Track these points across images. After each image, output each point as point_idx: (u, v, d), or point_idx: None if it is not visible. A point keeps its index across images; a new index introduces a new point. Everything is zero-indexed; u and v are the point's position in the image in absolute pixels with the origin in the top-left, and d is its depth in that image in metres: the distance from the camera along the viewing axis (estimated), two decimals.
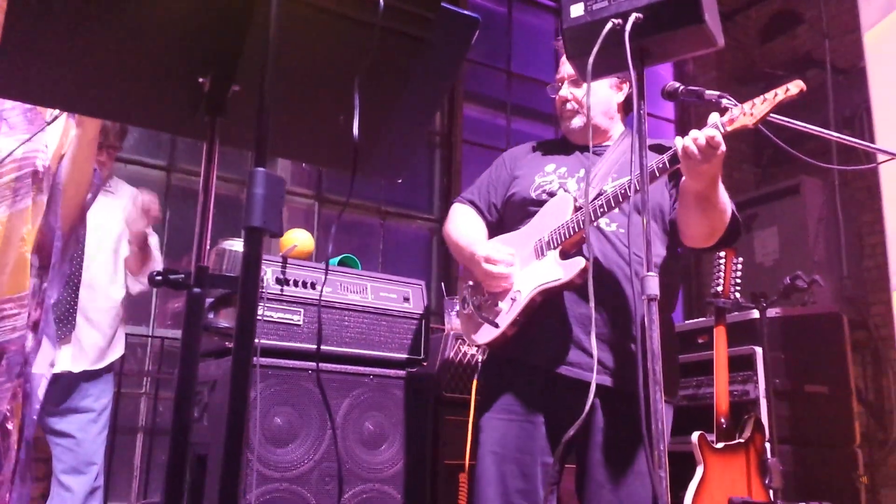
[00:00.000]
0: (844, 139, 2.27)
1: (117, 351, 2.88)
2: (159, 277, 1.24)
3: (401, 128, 1.48)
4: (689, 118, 6.01)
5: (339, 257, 2.98)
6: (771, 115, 1.87)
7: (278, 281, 2.57)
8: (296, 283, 2.63)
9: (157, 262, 2.99)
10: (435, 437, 2.89)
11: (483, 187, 2.35)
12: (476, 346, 2.31)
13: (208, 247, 1.26)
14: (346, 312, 2.74)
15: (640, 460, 1.97)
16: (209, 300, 1.74)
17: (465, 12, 1.44)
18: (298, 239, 2.74)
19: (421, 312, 2.91)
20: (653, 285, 1.61)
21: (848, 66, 5.47)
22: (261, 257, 1.08)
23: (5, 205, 1.61)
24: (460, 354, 3.14)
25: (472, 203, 2.34)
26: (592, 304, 1.62)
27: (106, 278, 2.84)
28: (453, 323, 3.31)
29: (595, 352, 1.65)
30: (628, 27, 1.75)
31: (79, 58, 1.23)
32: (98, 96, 1.28)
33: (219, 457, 2.35)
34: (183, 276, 1.23)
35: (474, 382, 2.27)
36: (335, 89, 1.37)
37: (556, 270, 2.01)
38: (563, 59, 2.25)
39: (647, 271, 1.63)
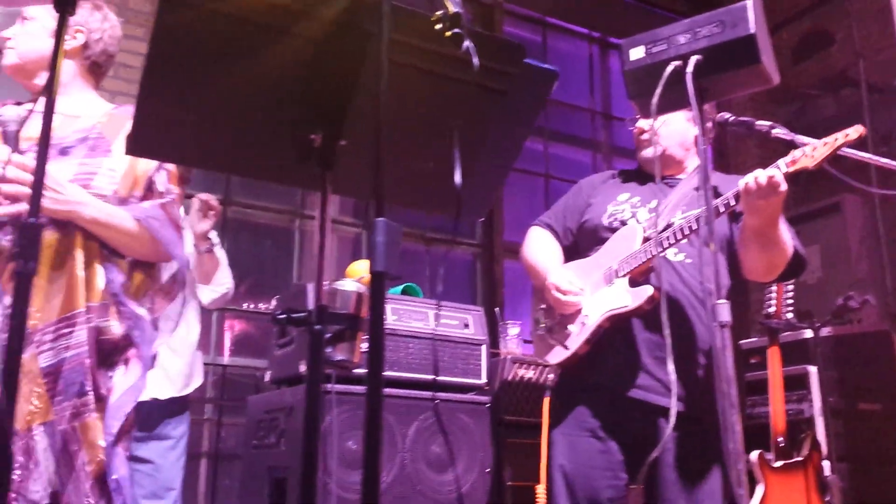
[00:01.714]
0: (884, 163, 2.33)
1: (198, 378, 3.02)
2: (283, 316, 1.37)
3: (484, 172, 1.60)
4: (725, 146, 6.06)
5: (402, 286, 3.10)
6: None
7: (282, 311, 2.69)
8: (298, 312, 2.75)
9: (224, 267, 3.10)
10: (498, 459, 2.98)
11: (560, 212, 2.47)
12: (548, 366, 2.42)
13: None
14: (411, 339, 2.86)
15: (711, 480, 2.06)
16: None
17: (545, 66, 1.56)
18: (365, 270, 2.87)
19: (481, 338, 3.02)
20: (724, 312, 1.71)
21: (883, 85, 5.52)
22: (384, 297, 1.20)
23: (52, 226, 1.69)
24: (517, 378, 3.25)
25: (550, 227, 2.47)
26: (668, 332, 1.72)
27: (179, 302, 2.97)
28: (509, 346, 3.41)
29: (673, 377, 1.74)
30: (690, 69, 1.86)
31: (204, 117, 1.36)
32: (222, 153, 1.42)
33: (298, 479, 2.47)
34: (305, 314, 1.36)
35: (546, 401, 2.36)
36: (426, 140, 1.50)
37: (625, 297, 2.12)
38: None
39: (718, 299, 1.72)
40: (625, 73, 2.05)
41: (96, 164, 1.78)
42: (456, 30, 1.35)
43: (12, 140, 1.62)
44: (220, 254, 3.11)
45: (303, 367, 2.64)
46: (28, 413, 1.57)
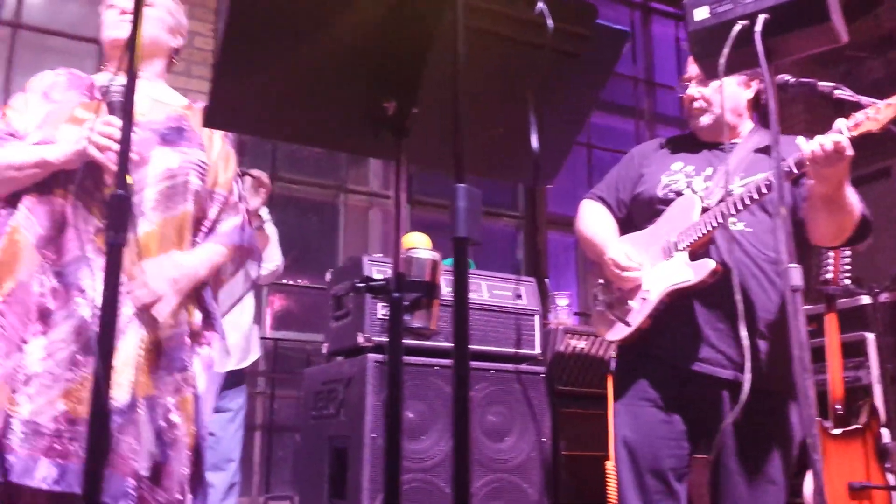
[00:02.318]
0: None
1: (255, 352, 3.07)
2: (362, 284, 1.38)
3: (555, 137, 1.59)
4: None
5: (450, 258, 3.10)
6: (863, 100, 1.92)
7: (361, 279, 2.70)
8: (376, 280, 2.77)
9: (274, 243, 3.13)
10: (553, 428, 2.99)
11: (612, 184, 2.43)
12: (609, 342, 2.41)
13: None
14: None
15: (774, 451, 2.05)
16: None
17: (616, 27, 1.54)
18: (418, 242, 2.87)
19: (535, 308, 3.01)
20: (796, 276, 1.68)
21: None
22: (467, 264, 1.20)
23: (158, 211, 1.73)
24: (570, 349, 3.24)
25: (602, 199, 2.43)
26: (741, 307, 1.70)
27: (240, 277, 3.01)
28: (559, 317, 3.41)
29: (746, 343, 1.72)
30: (759, 28, 1.81)
31: (280, 88, 1.37)
32: (296, 124, 1.43)
33: (362, 449, 2.49)
34: (383, 282, 1.37)
35: (609, 378, 2.36)
36: (496, 106, 1.49)
37: (686, 272, 2.10)
38: (690, 59, 2.31)
39: (789, 263, 1.70)
40: (689, 35, 2.00)
41: (193, 156, 1.80)
42: None
43: (118, 111, 1.64)
44: (271, 230, 3.14)
45: (360, 339, 2.66)
46: (130, 385, 1.60)
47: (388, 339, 1.34)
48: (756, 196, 2.00)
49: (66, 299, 1.60)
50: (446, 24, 1.38)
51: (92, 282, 1.61)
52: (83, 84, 1.83)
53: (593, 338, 3.28)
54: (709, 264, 2.06)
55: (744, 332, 1.72)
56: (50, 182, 1.68)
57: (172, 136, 1.79)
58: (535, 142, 1.33)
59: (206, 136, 1.89)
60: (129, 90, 1.20)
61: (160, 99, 1.87)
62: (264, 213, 3.10)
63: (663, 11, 6.07)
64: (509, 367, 2.88)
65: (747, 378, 1.74)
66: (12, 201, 1.70)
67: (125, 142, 1.19)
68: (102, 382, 1.09)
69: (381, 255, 2.89)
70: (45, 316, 1.59)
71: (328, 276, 3.04)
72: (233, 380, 2.98)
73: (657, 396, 2.16)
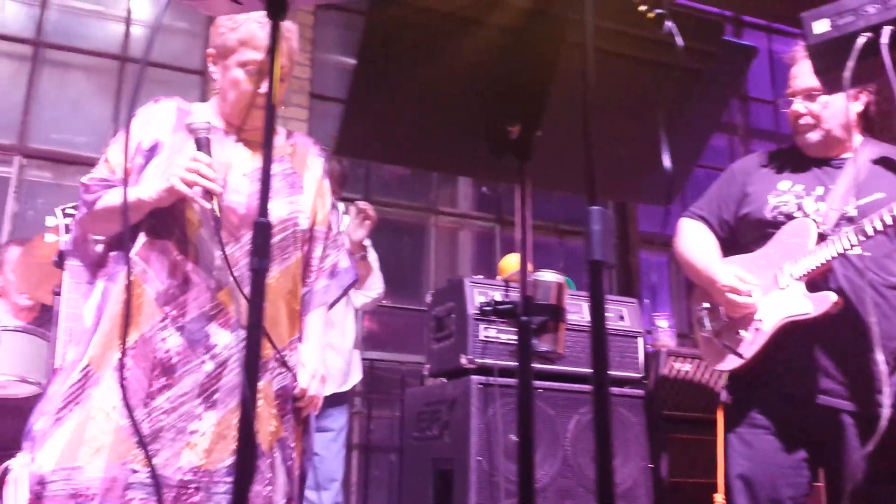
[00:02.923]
0: None
1: (356, 374, 3.11)
2: (489, 307, 1.38)
3: (677, 157, 1.56)
4: (871, 123, 5.69)
5: None
6: None
7: (488, 302, 2.69)
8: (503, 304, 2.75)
9: (376, 272, 3.17)
10: (657, 454, 2.92)
11: (713, 202, 2.35)
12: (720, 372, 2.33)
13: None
14: (568, 332, 2.82)
15: None
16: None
17: (743, 42, 1.50)
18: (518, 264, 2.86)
19: (637, 330, 2.95)
20: None
21: None
22: (603, 287, 1.18)
23: (276, 262, 1.76)
24: (674, 372, 3.16)
25: (703, 219, 2.35)
26: (877, 335, 1.62)
27: (342, 303, 3.07)
28: (661, 339, 3.33)
29: (883, 367, 1.64)
30: (885, 40, 1.74)
31: (407, 116, 1.39)
32: (420, 149, 1.45)
33: (467, 472, 2.47)
34: (511, 306, 1.36)
35: (720, 408, 2.27)
36: (620, 126, 1.47)
37: (805, 304, 2.02)
38: (794, 73, 2.24)
39: None
40: (808, 49, 1.94)
41: (299, 202, 1.83)
42: (658, 10, 1.32)
43: (205, 147, 1.68)
44: (373, 259, 3.19)
45: (463, 361, 2.66)
46: (269, 434, 1.67)
47: (517, 363, 1.33)
48: (890, 223, 1.91)
49: (190, 355, 1.64)
50: (570, 47, 1.38)
51: (216, 338, 1.66)
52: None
53: (697, 360, 3.19)
54: (829, 297, 1.99)
55: (880, 357, 1.64)
56: (161, 231, 1.70)
57: (281, 186, 1.81)
58: (667, 161, 1.31)
59: (306, 173, 1.89)
60: (269, 137, 1.24)
61: (256, 143, 1.82)
62: (372, 254, 3.16)
63: (755, 24, 5.92)
64: (613, 390, 2.82)
65: (887, 406, 1.66)
66: (117, 245, 1.74)
67: (266, 176, 1.22)
68: (249, 410, 1.12)
69: (480, 276, 2.88)
70: (168, 371, 1.63)
71: (428, 298, 3.05)
72: (335, 400, 3.03)
73: (773, 425, 2.09)
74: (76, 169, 4.03)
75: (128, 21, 4.41)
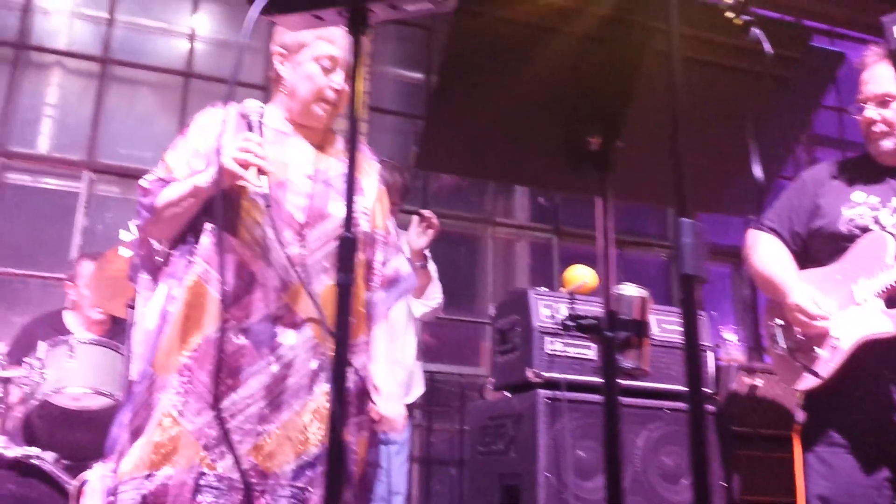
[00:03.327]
0: None
1: (419, 387, 3.10)
2: (571, 322, 1.35)
3: (764, 164, 1.51)
4: None
5: None
6: None
7: (570, 317, 2.65)
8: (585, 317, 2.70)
9: (435, 281, 3.16)
10: (728, 473, 2.84)
11: (784, 214, 2.27)
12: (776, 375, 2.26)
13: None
14: None
15: None
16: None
17: (831, 48, 1.46)
18: (585, 276, 2.83)
19: (707, 344, 2.88)
20: None
21: None
22: (695, 302, 1.15)
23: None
24: (745, 387, 3.08)
25: (775, 231, 2.27)
26: None
27: (403, 315, 3.06)
28: (731, 354, 3.25)
29: None
30: None
31: (487, 129, 1.38)
32: (500, 162, 1.43)
33: (535, 487, 2.42)
34: (594, 321, 1.33)
35: (796, 428, 2.20)
36: (703, 135, 1.43)
37: (884, 322, 1.96)
38: (866, 78, 2.16)
39: None
40: (891, 53, 1.88)
41: (360, 204, 1.81)
42: (745, 17, 1.28)
43: (257, 128, 1.69)
44: (432, 268, 3.18)
45: (529, 374, 2.63)
46: (324, 437, 1.65)
47: (603, 381, 1.30)
48: None
49: (256, 356, 1.63)
50: (653, 55, 1.35)
51: (282, 339, 1.65)
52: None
53: (768, 375, 3.10)
54: None
55: None
56: (225, 232, 1.67)
57: (343, 188, 1.80)
58: (758, 171, 1.27)
59: (364, 177, 1.88)
60: (352, 146, 1.24)
61: (317, 146, 1.84)
62: (431, 264, 3.15)
63: (820, 30, 5.78)
64: (683, 405, 2.75)
65: None
66: (179, 244, 1.73)
67: (350, 191, 1.22)
68: (338, 422, 1.12)
69: (545, 288, 2.85)
70: (234, 373, 1.61)
71: (491, 311, 3.03)
72: None
73: (853, 444, 2.01)
74: None
75: (191, 37, 4.52)
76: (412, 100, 4.97)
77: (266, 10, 1.25)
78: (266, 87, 4.39)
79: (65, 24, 4.39)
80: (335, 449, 1.12)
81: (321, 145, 1.84)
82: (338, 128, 1.92)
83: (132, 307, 2.38)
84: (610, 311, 1.33)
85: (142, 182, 1.73)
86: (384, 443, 3.02)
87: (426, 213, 2.93)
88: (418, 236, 2.93)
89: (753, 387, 3.02)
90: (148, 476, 1.54)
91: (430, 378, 4.21)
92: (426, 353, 4.44)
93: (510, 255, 5.11)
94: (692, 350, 1.11)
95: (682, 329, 2.83)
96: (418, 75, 5.03)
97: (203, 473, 1.55)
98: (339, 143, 1.89)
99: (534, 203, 5.11)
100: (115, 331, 3.11)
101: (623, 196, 1.47)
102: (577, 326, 1.35)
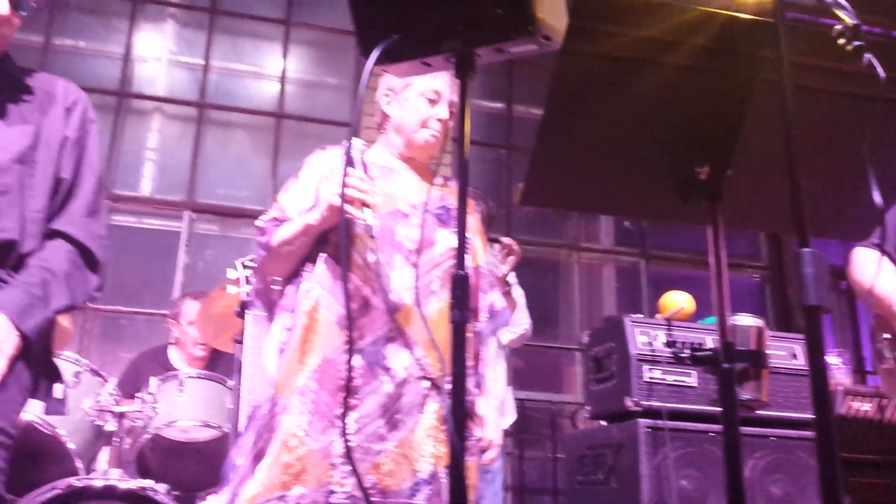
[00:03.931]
0: None
1: (511, 414, 3.10)
2: (685, 354, 1.34)
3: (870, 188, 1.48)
4: None
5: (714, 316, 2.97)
6: None
7: (668, 344, 2.61)
8: (684, 345, 2.66)
9: (522, 307, 3.16)
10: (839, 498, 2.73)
11: (890, 231, 2.22)
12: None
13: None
14: None
15: None
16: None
17: None
18: (682, 302, 2.79)
19: None
20: None
21: None
22: (821, 333, 1.13)
23: (446, 289, 1.77)
24: (852, 411, 2.96)
25: (879, 247, 2.22)
26: None
27: (493, 344, 3.07)
28: (836, 377, 3.13)
29: None
30: None
31: (593, 162, 1.39)
32: (606, 194, 1.44)
33: None
34: (711, 352, 1.32)
35: None
36: (815, 161, 1.41)
37: None
38: None
39: None
40: None
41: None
42: (857, 42, 1.26)
43: (359, 164, 1.76)
44: (518, 294, 3.19)
45: (628, 403, 2.60)
46: (438, 458, 1.68)
47: (722, 413, 1.29)
48: None
49: (371, 376, 1.67)
50: (763, 83, 1.35)
51: (394, 359, 1.69)
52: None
53: (878, 399, 2.98)
54: None
55: None
56: (338, 258, 1.73)
57: (445, 216, 1.86)
58: (877, 196, 1.24)
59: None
60: (463, 183, 1.27)
61: (421, 180, 1.91)
62: (511, 277, 3.16)
63: None
64: (791, 433, 2.67)
65: None
66: (293, 278, 1.80)
67: (462, 223, 1.25)
68: (459, 455, 1.14)
69: (640, 315, 2.82)
70: (352, 392, 1.66)
71: (585, 338, 3.02)
72: None
73: None
74: (241, 221, 4.30)
75: (282, 80, 4.69)
76: (494, 130, 5.02)
77: (378, 61, 1.30)
78: (351, 124, 4.52)
79: (163, 72, 4.64)
80: (457, 482, 1.14)
81: (424, 179, 1.91)
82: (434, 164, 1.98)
83: (240, 342, 2.47)
84: (726, 343, 1.32)
85: (258, 222, 1.83)
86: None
87: (506, 240, 2.96)
88: (499, 264, 2.95)
89: (862, 411, 2.90)
90: (281, 497, 1.58)
91: (521, 405, 4.19)
92: (515, 380, 4.43)
93: (596, 280, 5.07)
94: (819, 382, 1.09)
95: (785, 353, 2.75)
96: (499, 105, 5.08)
97: (333, 492, 1.59)
98: (439, 179, 1.95)
99: (619, 227, 5.07)
100: (215, 364, 3.23)
101: (734, 224, 1.45)
102: (692, 358, 1.34)
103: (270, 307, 1.85)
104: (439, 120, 1.86)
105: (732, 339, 1.36)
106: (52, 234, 1.48)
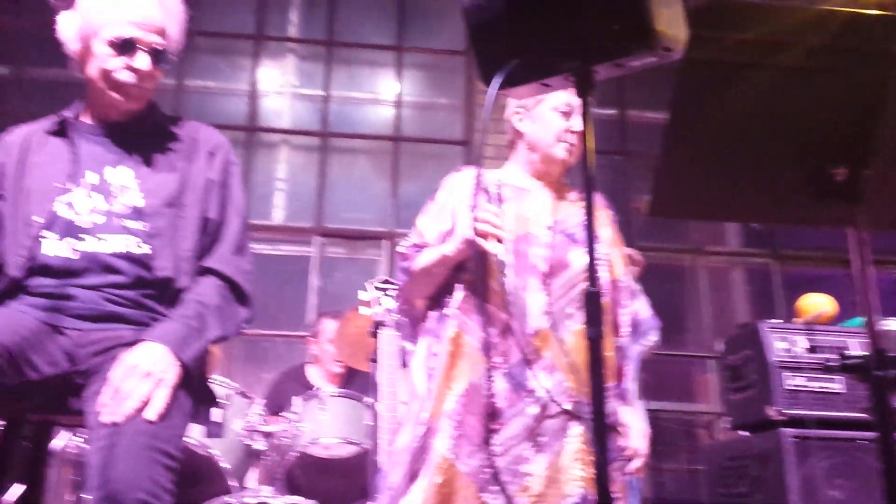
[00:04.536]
0: None
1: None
2: (833, 363, 1.30)
3: None
4: None
5: (859, 318, 2.82)
6: None
7: (811, 350, 2.51)
8: (827, 350, 2.55)
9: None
10: None
11: None
12: None
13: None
14: None
15: None
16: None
17: None
18: (823, 304, 2.67)
19: None
20: None
21: None
22: None
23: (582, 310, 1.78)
24: None
25: None
26: None
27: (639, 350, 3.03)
28: None
29: None
30: None
31: (723, 169, 1.37)
32: (738, 201, 1.42)
33: None
34: (861, 360, 1.27)
35: None
36: None
37: None
38: None
39: None
40: None
41: (600, 251, 1.82)
42: None
43: (495, 199, 1.80)
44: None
45: (771, 413, 2.51)
46: (582, 479, 1.68)
47: (876, 422, 1.23)
48: None
49: (515, 399, 1.70)
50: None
51: (536, 382, 1.71)
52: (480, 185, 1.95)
53: None
54: None
55: None
56: (477, 285, 1.78)
57: (580, 234, 1.86)
58: None
59: (599, 227, 1.91)
60: (589, 199, 1.28)
61: (556, 197, 1.93)
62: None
63: None
64: None
65: None
66: (435, 305, 1.87)
67: (591, 239, 1.26)
68: (603, 474, 1.15)
69: (779, 320, 2.72)
70: (497, 415, 1.69)
71: (720, 346, 2.94)
72: None
73: None
74: (367, 243, 4.46)
75: (398, 104, 4.84)
76: (608, 137, 4.97)
77: (500, 87, 1.34)
78: (466, 143, 4.60)
79: (287, 105, 4.88)
80: (604, 501, 1.15)
81: (558, 196, 1.92)
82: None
83: (374, 360, 2.56)
84: (877, 349, 1.27)
85: (399, 248, 1.92)
86: None
87: (628, 251, 2.90)
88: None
89: None
90: None
91: (653, 416, 4.11)
92: (645, 390, 4.35)
93: (725, 284, 4.91)
94: None
95: None
96: (612, 111, 5.03)
97: None
98: (573, 194, 1.96)
99: (746, 228, 4.89)
100: (352, 382, 3.35)
101: (876, 225, 1.40)
102: (841, 367, 1.29)
103: (414, 325, 1.92)
104: (574, 132, 1.88)
105: (884, 345, 1.30)
106: (203, 272, 1.58)
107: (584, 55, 1.30)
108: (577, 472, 1.67)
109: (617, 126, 5.00)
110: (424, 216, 1.94)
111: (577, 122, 1.88)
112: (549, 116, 1.89)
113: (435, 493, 1.64)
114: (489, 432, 1.67)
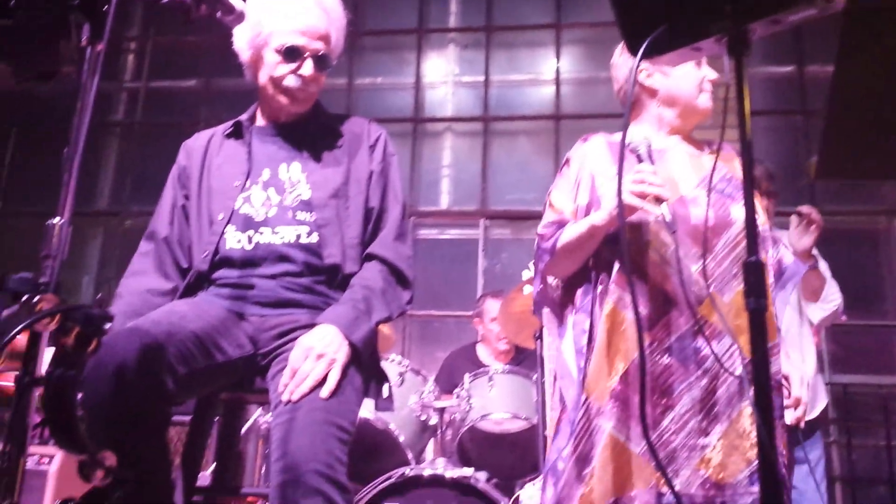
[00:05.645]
0: None
1: (823, 399, 2.88)
2: None
3: None
4: None
5: None
6: None
7: None
8: None
9: (830, 282, 2.89)
10: None
11: None
12: None
13: None
14: None
15: None
16: None
17: None
18: None
19: None
20: None
21: None
22: None
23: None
24: None
25: None
26: None
27: (795, 323, 2.87)
28: None
29: None
30: None
31: (893, 123, 1.27)
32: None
33: None
34: None
35: None
36: None
37: None
38: None
39: None
40: None
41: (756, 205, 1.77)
42: None
43: (647, 158, 1.72)
44: (824, 268, 2.93)
45: None
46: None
47: None
48: None
49: (683, 373, 1.65)
50: None
51: (704, 352, 1.64)
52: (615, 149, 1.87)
53: None
54: None
55: None
56: (635, 256, 1.71)
57: (731, 189, 1.77)
58: None
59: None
60: (748, 166, 1.24)
61: (693, 153, 1.84)
62: (814, 250, 2.91)
63: None
64: None
65: None
66: (580, 279, 1.80)
67: (749, 210, 1.22)
68: (767, 447, 1.11)
69: None
70: (667, 392, 1.64)
71: None
72: (806, 429, 2.82)
73: None
74: (531, 223, 4.49)
75: (557, 81, 4.81)
76: (784, 96, 4.66)
77: (646, 55, 1.31)
78: (625, 118, 4.45)
79: (449, 93, 5.00)
80: (769, 473, 1.11)
81: (695, 152, 1.84)
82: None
83: (539, 338, 2.60)
84: None
85: (539, 229, 1.85)
86: (794, 462, 2.84)
87: (805, 209, 2.70)
88: (800, 236, 2.71)
89: None
90: (615, 502, 1.60)
91: (843, 391, 3.85)
92: (834, 363, 4.06)
93: None
94: None
95: None
96: (788, 68, 4.71)
97: (661, 493, 1.60)
98: (707, 149, 1.88)
99: None
100: (520, 358, 3.41)
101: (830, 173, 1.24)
102: None
103: (555, 307, 1.88)
104: (710, 81, 1.81)
105: None
106: (368, 258, 1.67)
107: (737, 13, 1.25)
108: (751, 447, 1.61)
109: (794, 83, 4.67)
110: (557, 191, 1.87)
111: (710, 71, 1.82)
112: (685, 67, 1.80)
113: (612, 478, 1.62)
114: (662, 411, 1.63)
